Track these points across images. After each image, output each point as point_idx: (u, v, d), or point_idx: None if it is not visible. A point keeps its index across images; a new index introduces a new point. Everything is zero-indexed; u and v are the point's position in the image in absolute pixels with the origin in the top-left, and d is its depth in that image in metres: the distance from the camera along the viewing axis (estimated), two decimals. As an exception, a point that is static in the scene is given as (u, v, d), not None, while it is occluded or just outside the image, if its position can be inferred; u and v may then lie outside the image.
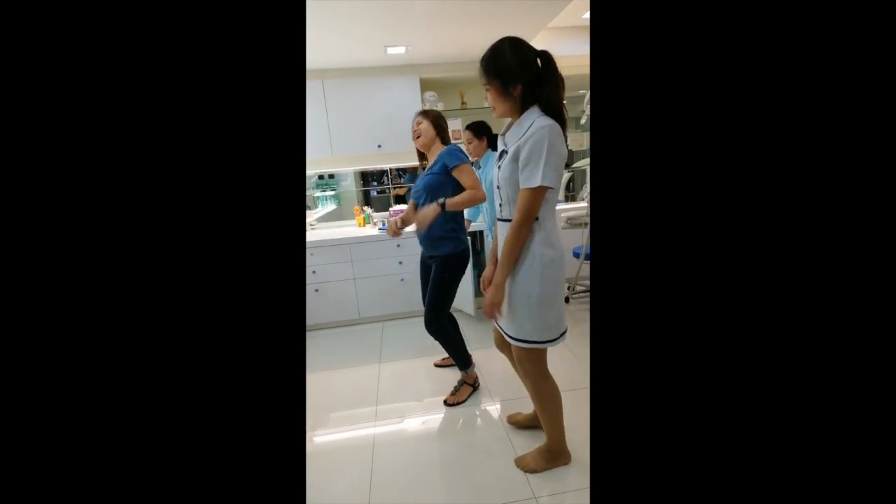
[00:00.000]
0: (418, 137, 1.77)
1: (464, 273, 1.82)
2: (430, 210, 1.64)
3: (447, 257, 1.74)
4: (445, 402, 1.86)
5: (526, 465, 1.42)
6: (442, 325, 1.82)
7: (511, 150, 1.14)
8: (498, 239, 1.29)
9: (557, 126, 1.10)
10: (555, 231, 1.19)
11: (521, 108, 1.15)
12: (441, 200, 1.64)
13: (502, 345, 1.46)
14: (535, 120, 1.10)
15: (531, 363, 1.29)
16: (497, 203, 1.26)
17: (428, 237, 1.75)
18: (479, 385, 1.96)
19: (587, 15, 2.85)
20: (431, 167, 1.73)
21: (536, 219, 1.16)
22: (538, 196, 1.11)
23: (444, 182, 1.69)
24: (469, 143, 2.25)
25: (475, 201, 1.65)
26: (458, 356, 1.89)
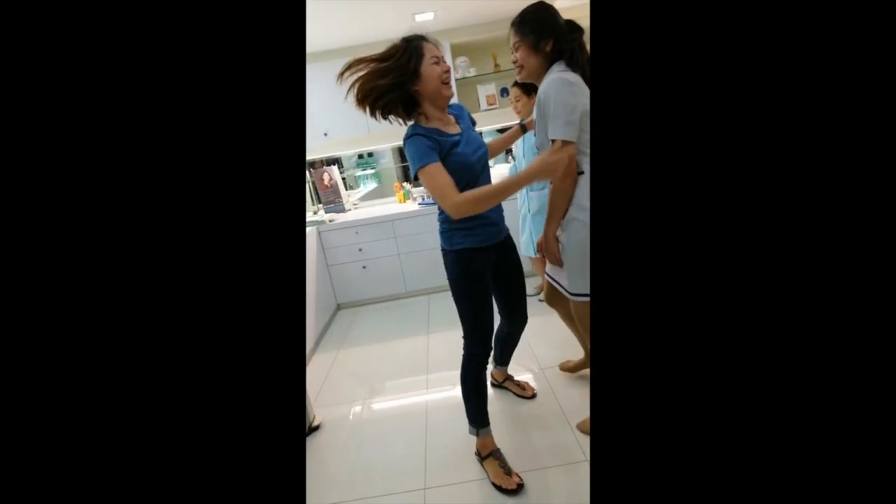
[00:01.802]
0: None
1: None
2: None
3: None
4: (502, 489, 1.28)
5: (587, 428, 1.44)
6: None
7: (536, 111, 1.21)
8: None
9: (563, 78, 1.12)
10: (583, 191, 1.21)
11: (548, 66, 1.21)
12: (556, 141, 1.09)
13: (553, 300, 1.52)
14: (549, 75, 1.17)
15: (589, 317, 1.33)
16: None
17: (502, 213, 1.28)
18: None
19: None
20: (471, 126, 1.23)
21: (581, 172, 1.20)
22: (569, 148, 1.13)
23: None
24: (518, 100, 2.09)
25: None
26: (472, 412, 1.38)
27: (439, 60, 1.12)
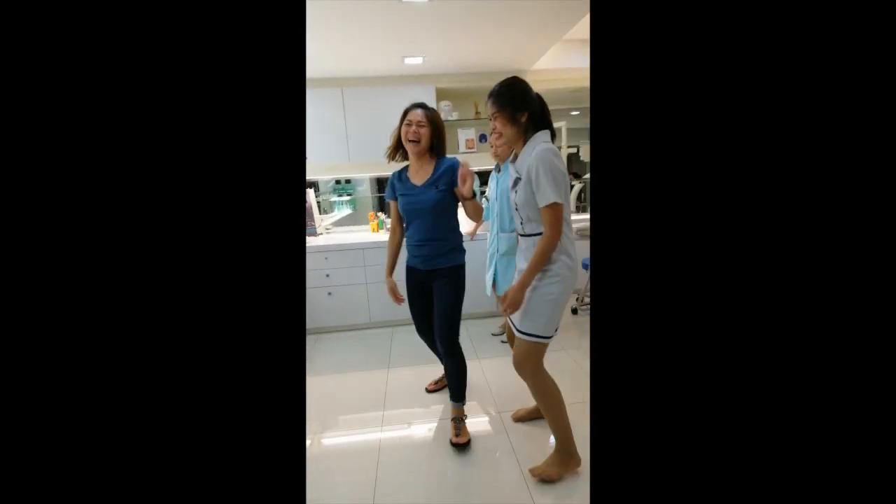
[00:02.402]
0: (416, 140, 1.55)
1: None
2: (469, 175, 1.48)
3: (459, 268, 1.63)
4: (454, 444, 1.64)
5: (542, 474, 1.43)
6: (459, 347, 1.67)
7: (524, 176, 1.31)
8: (519, 251, 1.47)
9: (554, 147, 1.29)
10: (570, 241, 1.35)
11: (524, 136, 1.34)
12: (475, 194, 1.54)
13: (513, 341, 1.57)
14: (537, 146, 1.29)
15: (533, 359, 1.40)
16: (518, 222, 1.42)
17: (436, 251, 1.61)
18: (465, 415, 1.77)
19: (604, 27, 2.84)
20: (434, 182, 1.57)
21: None
22: (556, 210, 1.26)
23: (450, 202, 1.57)
24: (498, 139, 2.16)
25: (479, 212, 1.63)
26: (461, 384, 1.71)
27: (411, 123, 1.58)
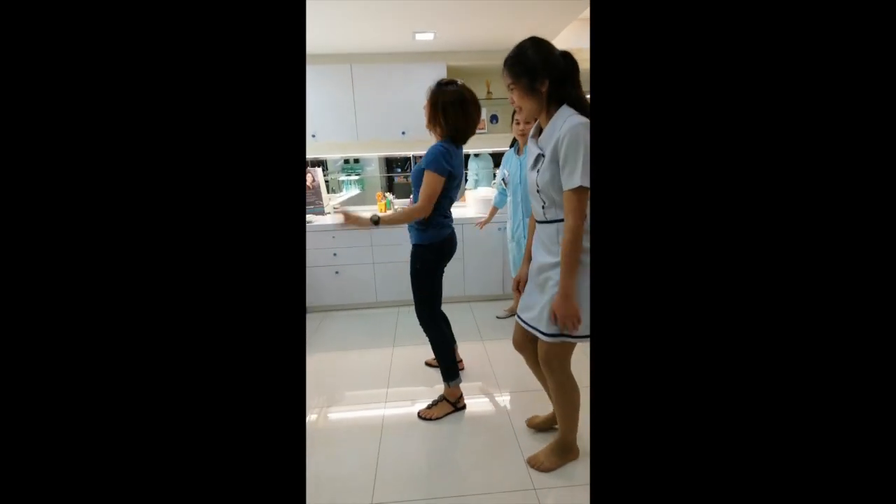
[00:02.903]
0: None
1: (442, 265, 1.70)
2: (359, 222, 1.48)
3: (416, 247, 1.66)
4: (419, 414, 1.74)
5: (539, 464, 1.43)
6: (431, 318, 1.70)
7: (548, 153, 1.13)
8: (536, 239, 1.29)
9: (586, 123, 1.08)
10: (586, 231, 1.19)
11: (548, 106, 1.16)
12: (375, 217, 1.51)
13: (523, 344, 1.45)
14: (568, 118, 1.10)
15: (561, 360, 1.30)
16: (540, 206, 1.23)
17: (410, 227, 1.66)
18: (462, 406, 1.77)
19: (624, 3, 2.74)
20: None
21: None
22: (582, 196, 1.09)
23: (417, 180, 1.58)
24: (526, 121, 2.06)
25: (411, 219, 1.56)
26: (444, 361, 1.73)
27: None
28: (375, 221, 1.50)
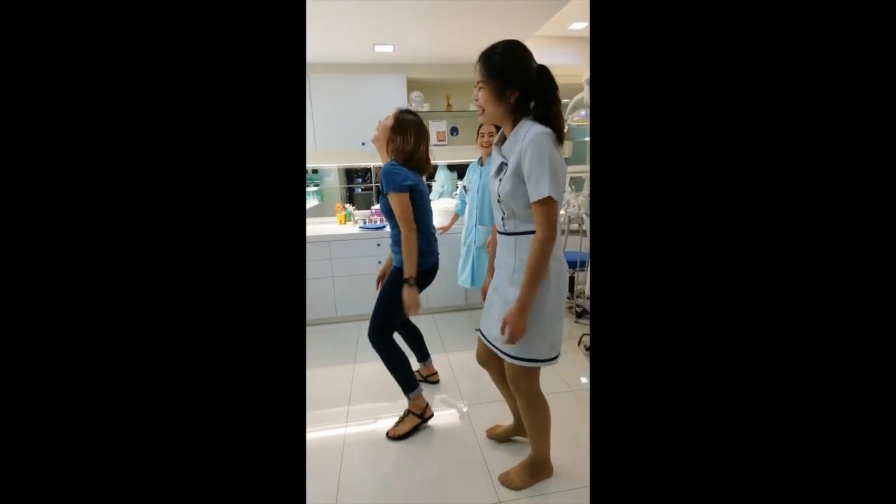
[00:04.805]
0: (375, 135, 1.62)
1: (421, 291, 1.66)
2: (408, 297, 1.55)
3: (399, 270, 1.61)
4: (388, 435, 1.67)
5: (511, 482, 1.39)
6: (385, 339, 1.67)
7: (511, 163, 1.09)
8: (498, 251, 1.26)
9: (553, 134, 1.06)
10: (558, 243, 1.14)
11: (513, 116, 1.12)
12: (410, 281, 1.54)
13: (487, 359, 1.42)
14: (531, 128, 1.06)
15: (529, 381, 1.25)
16: (499, 217, 1.19)
17: (395, 246, 1.65)
18: (430, 416, 1.72)
19: (575, 25, 2.89)
20: None
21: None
22: (551, 207, 1.05)
23: (385, 205, 1.57)
24: (491, 135, 2.17)
25: (412, 248, 1.53)
26: (401, 376, 1.69)
27: None
28: (413, 284, 1.55)
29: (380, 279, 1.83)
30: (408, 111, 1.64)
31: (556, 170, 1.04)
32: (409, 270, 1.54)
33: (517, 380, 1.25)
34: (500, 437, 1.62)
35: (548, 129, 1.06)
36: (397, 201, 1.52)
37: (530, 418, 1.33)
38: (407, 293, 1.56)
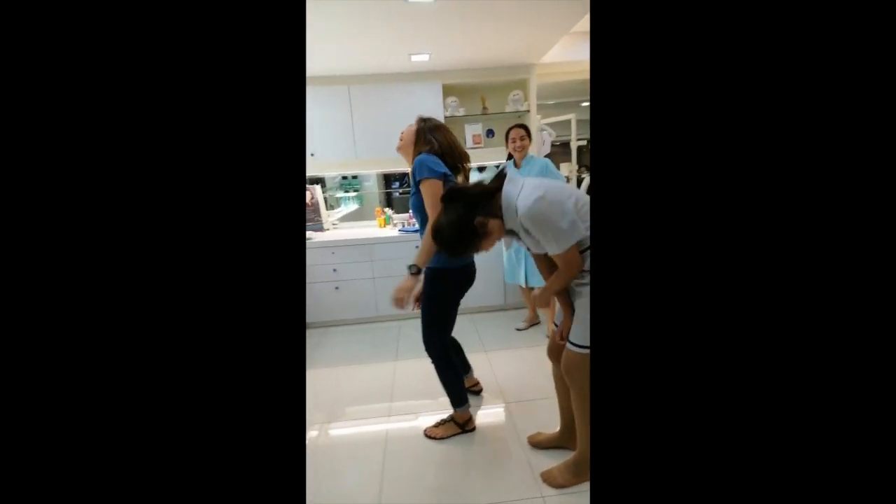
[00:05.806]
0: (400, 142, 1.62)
1: (459, 294, 1.62)
2: (404, 284, 1.47)
3: (430, 270, 1.55)
4: (425, 433, 1.69)
5: (553, 480, 1.39)
6: (440, 347, 1.63)
7: (519, 231, 1.22)
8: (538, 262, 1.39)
9: (535, 195, 1.14)
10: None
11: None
12: (412, 268, 1.46)
13: (553, 352, 1.46)
14: (516, 201, 1.17)
15: (584, 372, 1.28)
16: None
17: None
18: (472, 428, 1.70)
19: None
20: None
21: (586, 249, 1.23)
22: (569, 254, 1.17)
23: (416, 202, 1.53)
24: (523, 139, 2.26)
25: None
26: (451, 390, 1.67)
27: None
28: (414, 272, 1.47)
29: (416, 297, 1.67)
30: (427, 118, 1.64)
31: (556, 228, 1.14)
32: (419, 258, 1.47)
33: (571, 370, 1.30)
34: (542, 445, 1.60)
35: (530, 196, 1.14)
36: (430, 188, 1.45)
37: (583, 411, 1.33)
38: (402, 282, 1.47)
